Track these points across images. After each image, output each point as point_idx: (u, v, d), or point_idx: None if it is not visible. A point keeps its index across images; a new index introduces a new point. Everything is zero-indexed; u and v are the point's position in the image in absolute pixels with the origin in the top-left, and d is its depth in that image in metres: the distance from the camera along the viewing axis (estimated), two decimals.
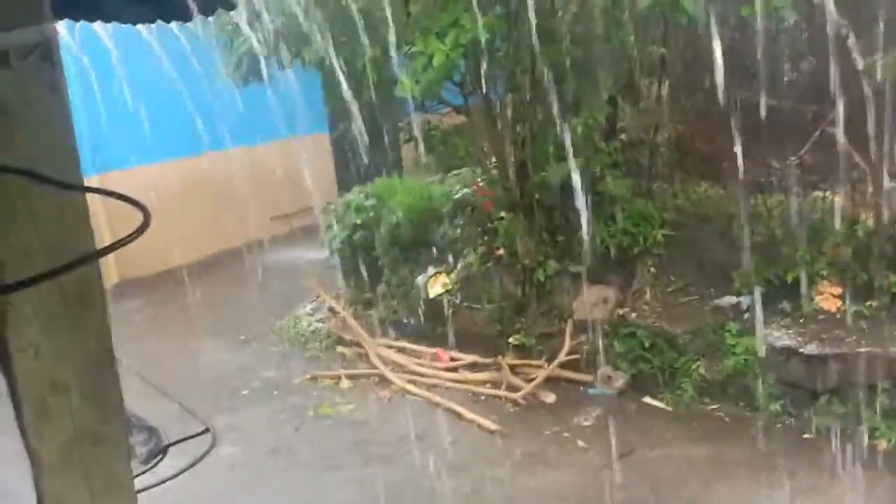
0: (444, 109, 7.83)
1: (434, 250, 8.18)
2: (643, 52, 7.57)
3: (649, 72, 7.91)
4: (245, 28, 7.03)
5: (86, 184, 1.56)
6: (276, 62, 7.80)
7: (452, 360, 7.65)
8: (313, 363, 8.14)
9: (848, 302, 6.18)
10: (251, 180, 11.04)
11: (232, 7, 3.84)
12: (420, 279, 8.24)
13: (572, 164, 6.91)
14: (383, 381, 7.55)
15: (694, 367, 6.57)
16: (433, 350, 7.80)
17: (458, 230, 8.22)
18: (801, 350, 5.98)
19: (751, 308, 6.66)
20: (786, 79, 7.72)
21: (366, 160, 8.36)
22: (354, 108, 7.46)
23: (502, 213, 7.71)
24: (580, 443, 6.12)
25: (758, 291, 6.53)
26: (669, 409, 6.48)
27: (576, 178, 6.96)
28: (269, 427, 6.90)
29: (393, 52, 6.75)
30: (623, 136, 7.79)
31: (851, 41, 6.10)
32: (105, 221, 8.13)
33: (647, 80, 7.91)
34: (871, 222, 6.28)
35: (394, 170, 9.66)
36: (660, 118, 7.78)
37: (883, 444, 5.58)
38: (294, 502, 5.77)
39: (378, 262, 8.58)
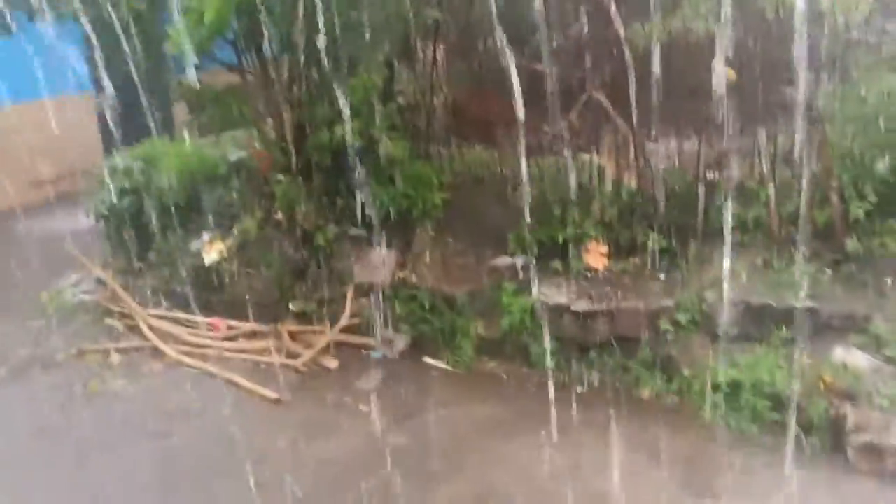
0: (217, 68, 7.10)
1: (209, 215, 7.49)
2: (419, 16, 7.25)
3: (425, 36, 7.62)
4: None
5: None
6: (27, 13, 6.75)
7: (230, 328, 7.05)
8: (80, 337, 7.21)
9: (614, 260, 6.25)
10: (3, 143, 9.73)
11: None
12: (194, 246, 7.54)
13: (350, 125, 6.54)
14: (156, 353, 6.84)
15: (473, 326, 6.42)
16: (209, 319, 7.16)
17: (234, 194, 7.57)
18: (573, 307, 5.96)
19: (525, 268, 6.60)
20: (555, 45, 7.69)
21: (134, 121, 7.46)
22: (120, 65, 6.60)
23: (280, 176, 7.15)
24: (362, 407, 5.79)
25: (532, 251, 6.51)
26: (450, 369, 6.30)
27: (355, 141, 6.59)
28: (31, 409, 6.03)
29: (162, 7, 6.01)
30: (400, 99, 7.45)
31: (613, 10, 6.09)
32: None
33: (423, 44, 7.62)
34: (633, 184, 6.36)
35: (164, 131, 8.75)
36: (436, 82, 7.51)
37: (645, 394, 5.69)
38: (60, 486, 5.03)
39: (148, 229, 7.75)
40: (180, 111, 8.46)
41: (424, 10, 7.21)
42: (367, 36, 6.69)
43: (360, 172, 6.96)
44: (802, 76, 6.45)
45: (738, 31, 6.40)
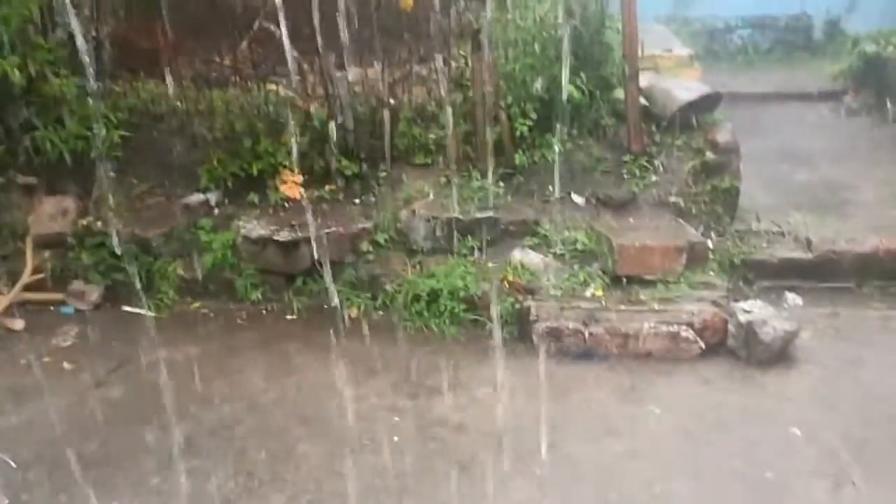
0: None
1: None
2: None
3: None
4: None
5: None
6: None
7: None
8: None
9: (310, 188, 6.52)
10: None
11: None
12: None
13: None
14: None
15: (171, 268, 6.34)
16: None
17: None
18: (275, 238, 6.14)
19: (220, 203, 6.64)
20: None
21: None
22: None
23: None
24: (66, 365, 5.53)
25: (225, 186, 6.56)
26: (152, 314, 6.17)
27: (13, 78, 6.10)
28: None
29: None
30: (61, 32, 6.92)
31: None
32: None
33: None
34: (323, 112, 6.61)
35: None
36: (101, 12, 7.08)
37: (354, 312, 6.10)
38: None
39: None
40: None
41: None
42: None
43: (22, 114, 6.46)
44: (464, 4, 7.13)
45: None
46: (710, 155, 6.69)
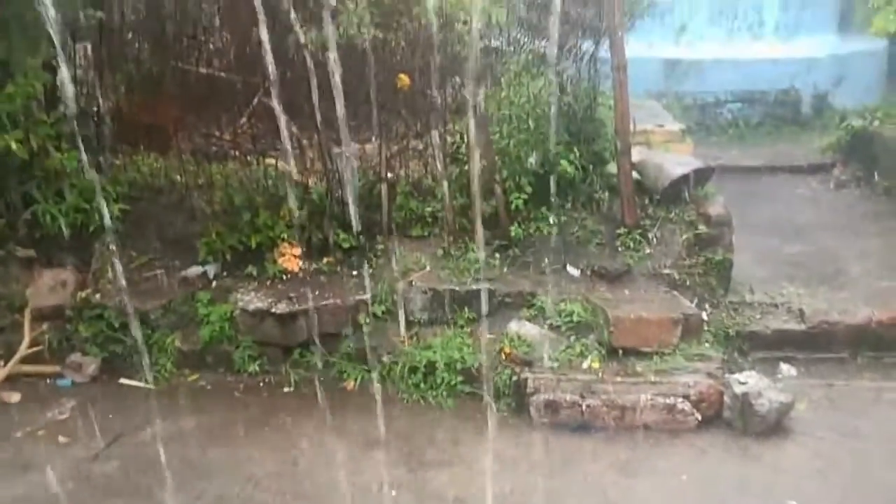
0: None
1: None
2: (75, 14, 7.02)
3: (83, 38, 7.41)
4: None
5: None
6: None
7: None
8: None
9: (308, 261, 6.70)
10: None
11: None
12: None
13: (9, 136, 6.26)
14: None
15: (169, 340, 6.45)
16: None
17: None
18: (273, 310, 6.29)
19: (218, 276, 6.80)
20: (213, 47, 7.87)
21: None
22: None
23: None
24: (61, 438, 5.60)
25: (224, 259, 6.74)
26: (150, 386, 6.27)
27: (16, 152, 6.31)
28: None
29: None
30: (65, 107, 7.15)
31: (293, 15, 6.48)
32: None
33: (83, 47, 7.40)
34: (321, 186, 6.84)
35: None
36: (104, 88, 7.36)
37: (350, 385, 6.21)
38: None
39: None
40: None
41: (87, 9, 7.05)
42: (25, 35, 6.43)
43: (23, 187, 6.66)
44: (458, 81, 7.43)
45: (406, 38, 7.19)
46: (703, 228, 6.91)
